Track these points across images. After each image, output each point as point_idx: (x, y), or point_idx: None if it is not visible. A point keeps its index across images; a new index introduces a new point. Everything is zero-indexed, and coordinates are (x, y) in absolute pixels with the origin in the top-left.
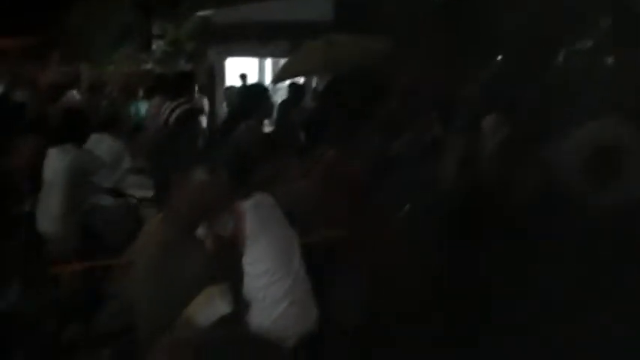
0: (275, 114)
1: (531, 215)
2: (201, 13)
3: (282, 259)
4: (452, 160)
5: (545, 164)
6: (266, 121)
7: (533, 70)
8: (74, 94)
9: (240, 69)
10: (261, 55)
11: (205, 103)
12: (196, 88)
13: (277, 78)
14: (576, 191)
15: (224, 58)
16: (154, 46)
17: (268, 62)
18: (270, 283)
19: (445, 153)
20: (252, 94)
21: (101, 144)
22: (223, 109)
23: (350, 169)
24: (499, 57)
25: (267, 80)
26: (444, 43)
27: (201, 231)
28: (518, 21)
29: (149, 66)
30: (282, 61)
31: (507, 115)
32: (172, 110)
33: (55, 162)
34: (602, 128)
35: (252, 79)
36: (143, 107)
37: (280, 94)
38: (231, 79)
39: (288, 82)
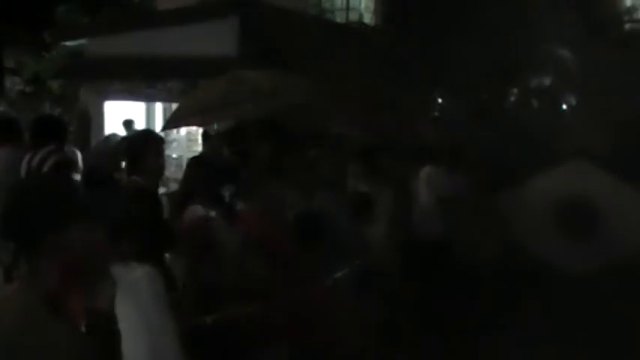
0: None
1: (487, 280)
2: (70, 43)
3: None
4: (383, 218)
5: (503, 220)
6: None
7: (483, 112)
8: None
9: (124, 114)
10: (148, 97)
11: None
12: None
13: (169, 124)
14: (543, 252)
15: (101, 101)
16: (6, 84)
17: (158, 107)
18: None
19: (375, 210)
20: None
21: None
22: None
23: (267, 230)
24: (442, 97)
25: (158, 128)
26: (375, 82)
27: (74, 304)
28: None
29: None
30: (175, 105)
31: (452, 164)
32: (40, 162)
33: None
34: (567, 175)
35: (139, 127)
36: None
37: (175, 145)
38: (113, 127)
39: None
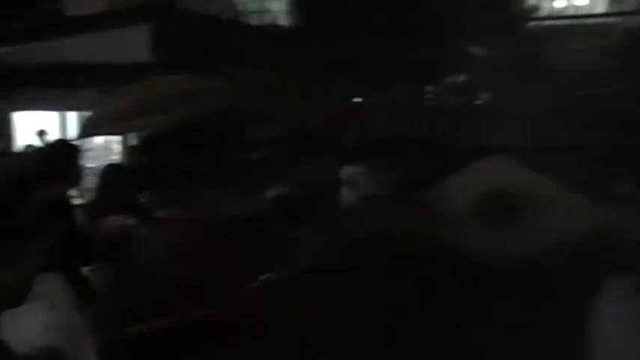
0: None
1: (422, 272)
2: None
3: None
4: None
5: (430, 214)
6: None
7: (403, 108)
8: None
9: (37, 124)
10: (61, 106)
11: None
12: None
13: (83, 133)
14: (469, 244)
15: (9, 111)
16: None
17: (72, 116)
18: None
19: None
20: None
21: None
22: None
23: (192, 234)
24: (361, 95)
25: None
26: (293, 83)
27: None
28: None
29: None
30: (89, 114)
31: (374, 162)
32: None
33: None
34: (489, 170)
35: (53, 137)
36: None
37: (92, 154)
38: (25, 137)
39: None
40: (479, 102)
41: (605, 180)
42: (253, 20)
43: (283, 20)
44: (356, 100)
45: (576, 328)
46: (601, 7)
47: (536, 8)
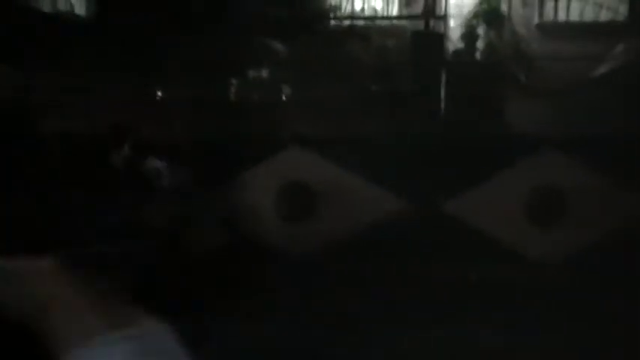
0: None
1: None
2: None
3: None
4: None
5: (230, 208)
6: None
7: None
8: None
9: None
10: None
11: None
12: None
13: None
14: (267, 236)
15: None
16: None
17: None
18: None
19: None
20: None
21: None
22: None
23: None
24: (161, 89)
25: None
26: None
27: None
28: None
29: None
30: None
31: (175, 156)
32: None
33: None
34: (288, 162)
35: None
36: None
37: None
38: None
39: None
40: (278, 97)
41: (396, 168)
42: (47, 7)
43: (80, 9)
44: (157, 94)
45: (369, 315)
46: (394, 11)
47: (335, 8)
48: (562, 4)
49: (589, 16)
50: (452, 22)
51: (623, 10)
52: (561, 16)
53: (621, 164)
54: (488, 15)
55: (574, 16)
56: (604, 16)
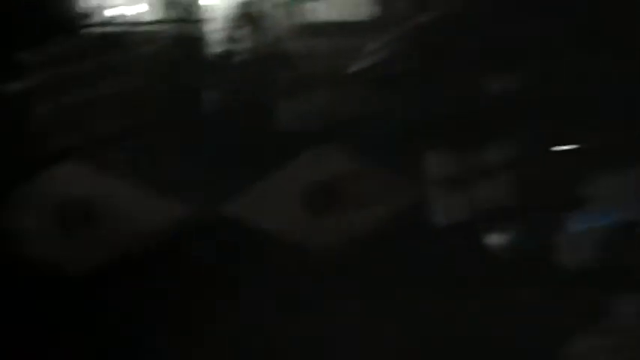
0: None
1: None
2: None
3: None
4: None
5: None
6: None
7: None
8: None
9: None
10: None
11: None
12: None
13: None
14: (45, 254)
15: None
16: None
17: None
18: None
19: None
20: None
21: None
22: None
23: None
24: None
25: None
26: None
27: None
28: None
29: None
30: None
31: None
32: None
33: None
34: (62, 178)
35: None
36: None
37: None
38: None
39: None
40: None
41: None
42: None
43: None
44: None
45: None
46: (155, 16)
47: (88, 15)
48: (321, 5)
49: (347, 15)
50: (211, 26)
51: (375, 9)
52: (321, 16)
53: (383, 152)
54: (247, 18)
55: (332, 16)
56: (359, 15)
